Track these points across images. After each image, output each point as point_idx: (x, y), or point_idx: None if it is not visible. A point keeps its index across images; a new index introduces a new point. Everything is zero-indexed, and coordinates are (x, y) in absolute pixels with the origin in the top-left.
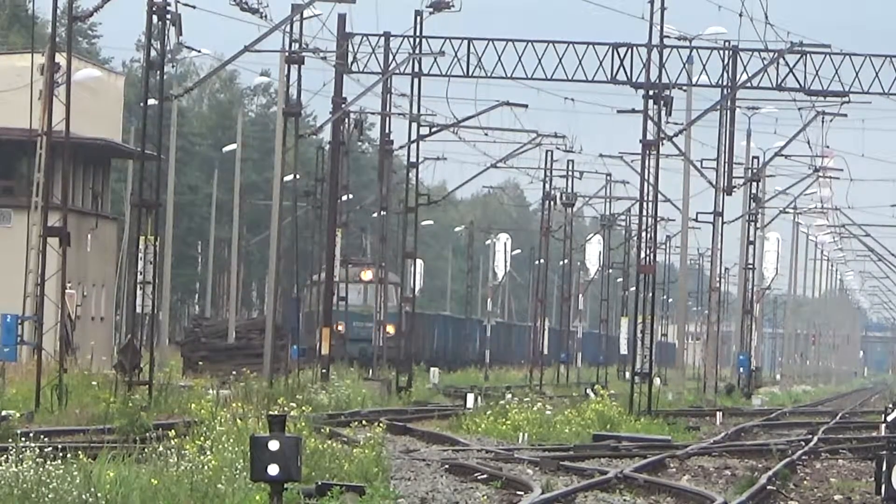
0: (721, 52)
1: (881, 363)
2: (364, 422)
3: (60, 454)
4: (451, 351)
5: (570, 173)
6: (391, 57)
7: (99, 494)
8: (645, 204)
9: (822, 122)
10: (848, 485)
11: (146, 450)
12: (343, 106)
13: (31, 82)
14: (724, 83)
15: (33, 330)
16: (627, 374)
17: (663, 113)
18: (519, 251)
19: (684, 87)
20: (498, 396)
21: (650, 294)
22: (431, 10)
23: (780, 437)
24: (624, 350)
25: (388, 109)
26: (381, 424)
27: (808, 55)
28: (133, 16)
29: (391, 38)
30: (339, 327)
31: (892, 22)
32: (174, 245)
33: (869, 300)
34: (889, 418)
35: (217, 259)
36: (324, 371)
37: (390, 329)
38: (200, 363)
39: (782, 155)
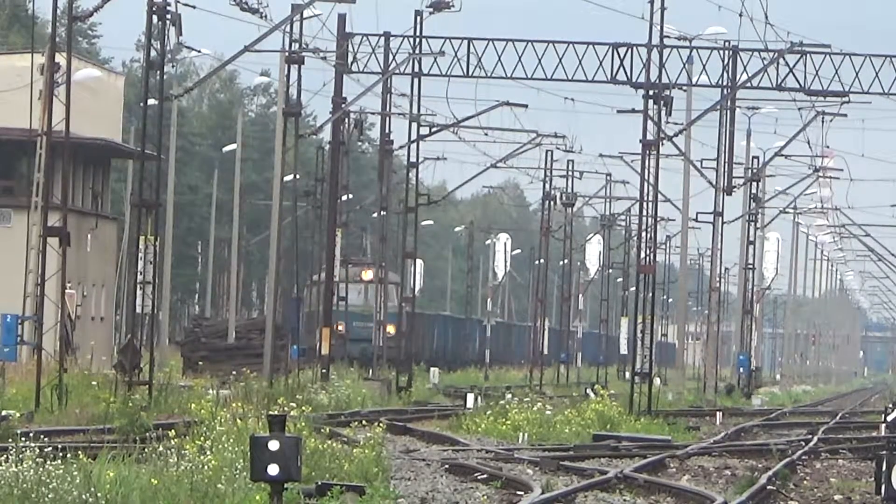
0: (721, 52)
1: (881, 363)
2: (364, 422)
3: (60, 454)
4: (451, 351)
5: (570, 173)
6: (391, 57)
7: (99, 494)
8: (645, 204)
9: (822, 122)
10: (848, 485)
11: (146, 450)
12: (343, 106)
13: (31, 82)
14: (724, 83)
15: (33, 330)
16: (627, 374)
17: (663, 113)
18: (519, 251)
19: (684, 87)
20: (498, 396)
21: (650, 294)
22: (431, 10)
23: (780, 437)
24: (624, 350)
25: (388, 109)
26: (381, 424)
27: (808, 55)
28: (133, 16)
29: (391, 38)
30: (340, 327)
31: (892, 22)
32: (174, 245)
33: (869, 300)
34: (889, 418)
35: (217, 259)
36: (324, 371)
37: (391, 329)
38: (200, 363)
39: (782, 155)
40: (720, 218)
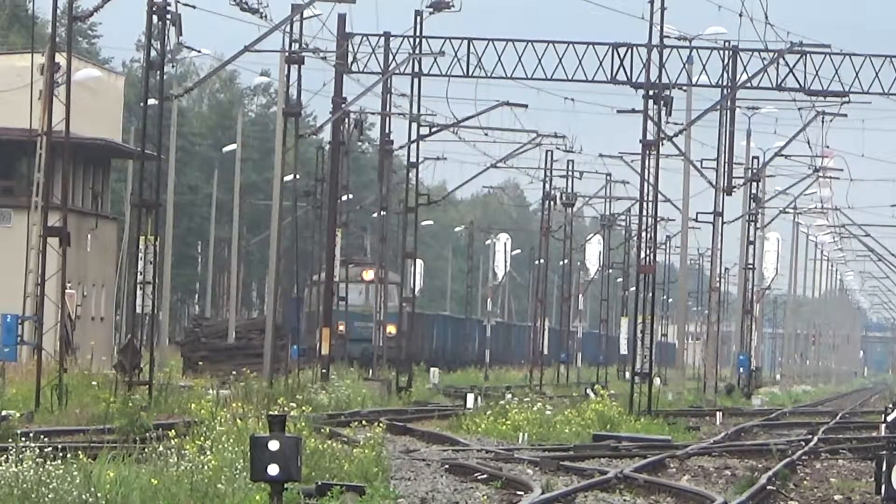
0: (721, 52)
1: (881, 363)
2: (364, 422)
3: (60, 454)
4: (451, 351)
5: (570, 173)
6: (391, 57)
7: (99, 494)
8: (645, 204)
9: (822, 122)
10: (848, 485)
11: (146, 450)
12: (343, 106)
13: (31, 82)
14: (724, 83)
15: (33, 330)
16: (627, 374)
17: (663, 113)
18: (519, 251)
19: (684, 87)
20: (498, 396)
21: (650, 294)
22: (431, 10)
23: (780, 437)
24: (624, 350)
25: (388, 109)
26: (381, 424)
27: (808, 55)
28: (133, 16)
29: (391, 38)
30: (341, 327)
31: (892, 22)
32: (174, 245)
33: (869, 300)
34: (889, 418)
35: (217, 259)
36: (324, 371)
37: (392, 329)
38: (200, 363)
39: (782, 155)
40: (720, 218)
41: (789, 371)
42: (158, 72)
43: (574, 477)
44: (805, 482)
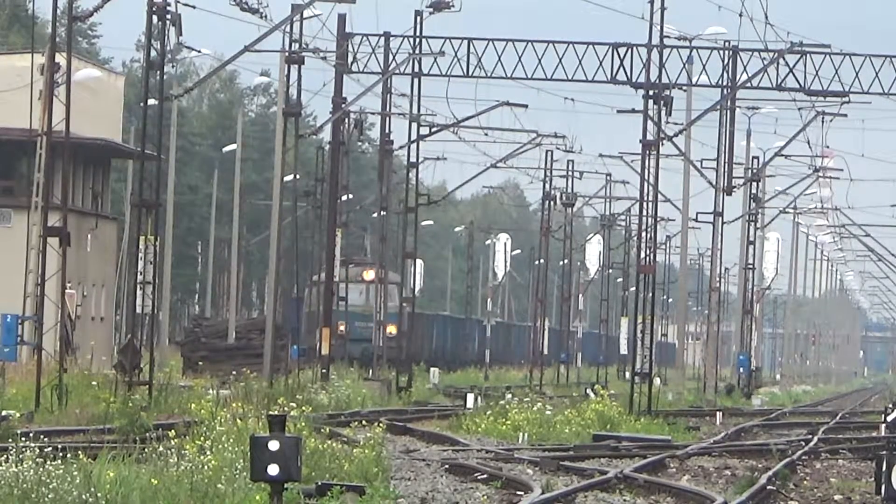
0: (721, 52)
1: (881, 363)
2: (364, 422)
3: (60, 454)
4: (451, 351)
5: (570, 173)
6: (391, 57)
7: (99, 494)
8: (645, 204)
9: (822, 122)
10: (848, 485)
11: (146, 450)
12: (343, 106)
13: (31, 82)
14: (724, 83)
15: (33, 330)
16: (627, 374)
17: (663, 113)
18: (519, 251)
19: (684, 87)
20: (498, 396)
21: (650, 294)
22: (431, 10)
23: (780, 437)
24: (624, 350)
25: (388, 109)
26: (381, 424)
27: (808, 55)
28: (133, 16)
29: (391, 38)
30: (341, 327)
31: (892, 22)
32: (174, 245)
33: (869, 300)
34: (889, 418)
35: (217, 259)
36: (324, 371)
37: (392, 329)
38: (200, 363)
39: (782, 155)
40: (720, 218)
41: (789, 371)
42: (158, 72)
43: (574, 477)
44: (805, 482)
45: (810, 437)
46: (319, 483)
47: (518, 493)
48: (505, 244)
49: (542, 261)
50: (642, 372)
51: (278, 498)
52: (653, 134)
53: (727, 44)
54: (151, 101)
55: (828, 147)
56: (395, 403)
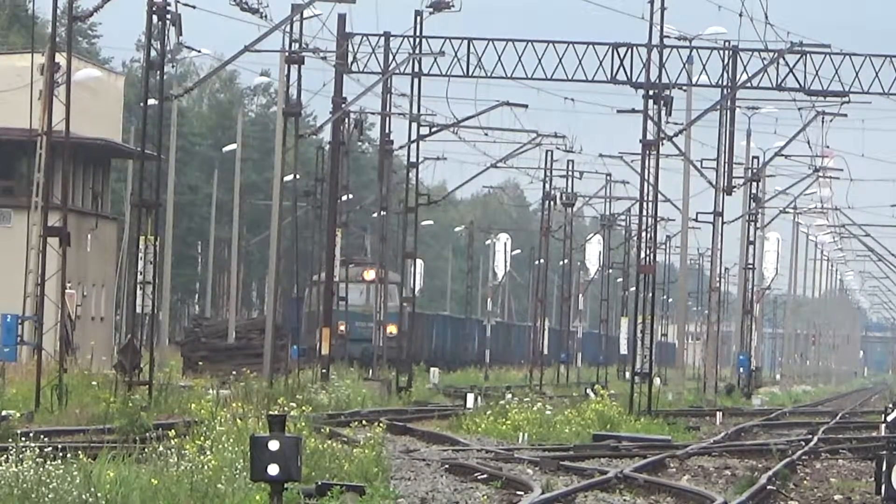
0: (721, 52)
1: (881, 363)
2: (364, 422)
3: (60, 454)
4: (451, 351)
5: (570, 173)
6: (391, 57)
7: (99, 494)
8: (645, 204)
9: (822, 122)
10: (848, 485)
11: (146, 450)
12: (343, 106)
13: (31, 82)
14: (724, 83)
15: (33, 330)
16: (627, 374)
17: (663, 113)
18: (519, 251)
19: (684, 87)
20: (498, 396)
21: (650, 294)
22: (431, 10)
23: (780, 437)
24: (624, 350)
25: (388, 109)
26: (381, 424)
27: (808, 55)
28: (133, 16)
29: (391, 38)
30: (342, 327)
31: (892, 22)
32: (174, 245)
33: (869, 300)
34: (889, 418)
35: (217, 259)
36: (324, 371)
37: (392, 329)
38: (200, 363)
39: (782, 155)
40: (720, 218)
41: (789, 371)
42: (158, 72)
43: (574, 477)
44: (805, 482)
45: (810, 437)
46: (319, 483)
47: (518, 493)
48: (505, 244)
49: (542, 261)
50: (642, 372)
51: (278, 498)
52: (653, 134)
53: (727, 44)
54: (151, 101)
55: (828, 147)
56: (395, 403)
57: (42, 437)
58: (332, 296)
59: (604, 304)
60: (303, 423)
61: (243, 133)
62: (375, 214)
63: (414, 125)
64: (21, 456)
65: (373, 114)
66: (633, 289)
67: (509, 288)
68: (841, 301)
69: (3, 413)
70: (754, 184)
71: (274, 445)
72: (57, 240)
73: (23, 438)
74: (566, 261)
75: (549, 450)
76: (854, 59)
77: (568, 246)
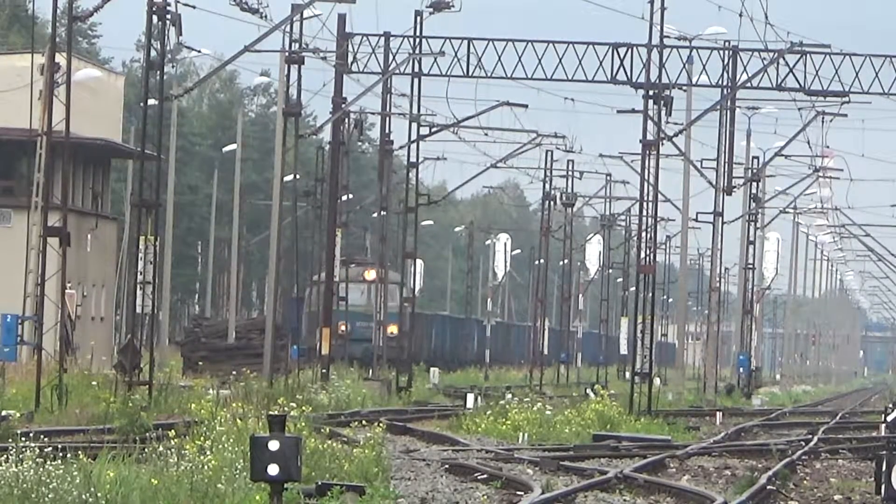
0: (721, 52)
1: (881, 363)
2: (364, 422)
3: (60, 454)
4: (451, 351)
5: (570, 173)
6: (391, 57)
7: (99, 494)
8: (645, 204)
9: (822, 122)
10: (848, 485)
11: (146, 450)
12: (343, 106)
13: (31, 82)
14: (724, 83)
15: (33, 330)
16: (627, 374)
17: (663, 113)
18: (519, 251)
19: (684, 87)
20: (498, 396)
21: (650, 294)
22: (431, 10)
23: (780, 437)
24: (624, 350)
25: (388, 109)
26: (381, 424)
27: (808, 55)
28: (133, 16)
29: (391, 38)
30: (343, 327)
31: (892, 22)
32: (174, 245)
33: (869, 300)
34: (889, 418)
35: (217, 259)
36: (324, 371)
37: (394, 329)
38: (200, 363)
39: (782, 155)
40: (720, 218)
41: (789, 371)
42: (158, 72)
43: (574, 477)
44: (805, 482)
45: (810, 437)
46: (319, 483)
47: (518, 493)
48: (505, 244)
49: (542, 261)
50: (642, 372)
51: (278, 498)
52: (653, 134)
53: (727, 44)
54: (151, 101)
55: (828, 147)
56: (395, 403)
57: (42, 437)
58: (332, 296)
59: (604, 304)
60: (303, 423)
61: (243, 133)
62: (375, 214)
63: (414, 125)
64: (21, 456)
65: (373, 114)
66: (633, 289)
67: (509, 288)
68: (841, 301)
69: (3, 413)
70: (754, 184)
71: (274, 445)
72: (57, 240)
73: (23, 438)
74: (566, 261)
75: (549, 450)
76: (854, 59)
77: (568, 246)
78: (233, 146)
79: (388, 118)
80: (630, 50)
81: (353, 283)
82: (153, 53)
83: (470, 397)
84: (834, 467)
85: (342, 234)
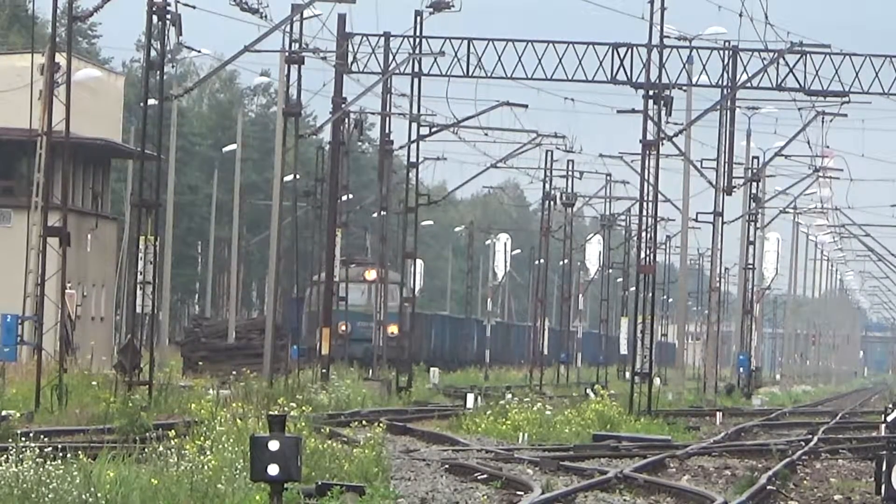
0: (721, 52)
1: (881, 363)
2: (364, 422)
3: (60, 454)
4: (451, 351)
5: (570, 173)
6: (391, 57)
7: (99, 494)
8: (645, 204)
9: (822, 122)
10: (848, 485)
11: (146, 450)
12: (343, 106)
13: (31, 82)
14: (724, 83)
15: (33, 330)
16: (627, 374)
17: (663, 113)
18: (519, 251)
19: (684, 87)
20: (498, 396)
21: (650, 294)
22: (431, 10)
23: (780, 437)
24: (624, 350)
25: (388, 109)
26: (381, 424)
27: (808, 55)
28: (133, 16)
29: (391, 38)
30: (343, 327)
31: (892, 22)
32: (174, 245)
33: (869, 300)
34: (889, 418)
35: (217, 259)
36: (324, 371)
37: (394, 329)
38: (200, 363)
39: (782, 155)
40: (720, 218)
41: (789, 371)
42: (158, 72)
43: (574, 477)
44: (805, 482)
45: (810, 437)
46: (319, 483)
47: (518, 493)
48: (505, 244)
49: (542, 261)
50: (642, 372)
51: (278, 498)
52: (653, 134)
53: (727, 44)
54: (151, 101)
55: (828, 147)
56: (395, 403)
57: (42, 437)
58: (332, 296)
59: (604, 304)
60: (303, 423)
61: (243, 133)
62: (375, 214)
63: (414, 125)
64: (21, 456)
65: (373, 114)
66: (633, 289)
67: (509, 288)
68: (841, 301)
69: (3, 413)
70: (754, 184)
71: (274, 445)
72: (57, 240)
73: (23, 438)
74: (566, 261)
75: (549, 450)
76: (854, 59)
77: (568, 246)
78: (233, 146)
79: (388, 118)
80: (630, 50)
81: (353, 283)
82: (153, 53)
83: (470, 397)
84: (834, 467)
85: (342, 234)
